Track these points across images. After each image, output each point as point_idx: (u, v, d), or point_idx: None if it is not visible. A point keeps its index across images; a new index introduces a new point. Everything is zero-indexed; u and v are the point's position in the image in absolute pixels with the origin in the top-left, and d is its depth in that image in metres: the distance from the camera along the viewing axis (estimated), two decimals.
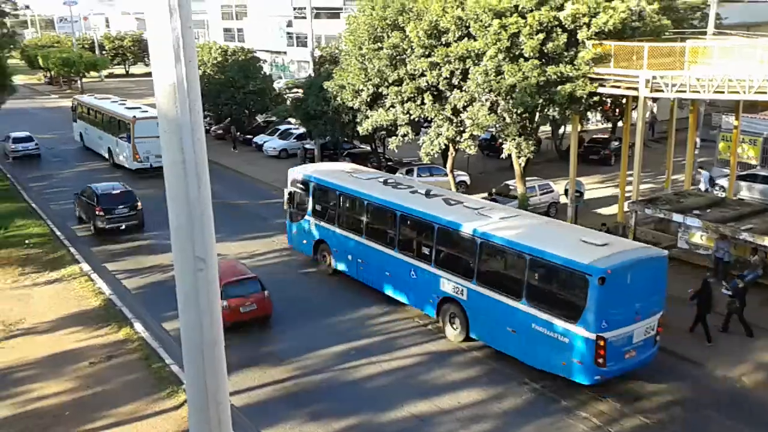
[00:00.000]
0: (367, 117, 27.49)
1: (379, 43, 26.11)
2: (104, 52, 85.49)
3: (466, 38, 23.71)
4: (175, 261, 3.41)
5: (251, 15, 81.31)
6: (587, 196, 28.11)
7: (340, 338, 17.68)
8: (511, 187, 27.96)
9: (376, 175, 22.78)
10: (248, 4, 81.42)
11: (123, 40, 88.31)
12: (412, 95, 25.61)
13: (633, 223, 22.89)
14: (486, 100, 23.83)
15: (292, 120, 39.80)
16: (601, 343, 14.17)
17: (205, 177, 3.35)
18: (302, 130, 37.87)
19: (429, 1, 24.43)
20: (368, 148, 35.16)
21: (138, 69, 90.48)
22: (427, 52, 24.55)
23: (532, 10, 22.46)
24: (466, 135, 24.72)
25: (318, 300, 20.34)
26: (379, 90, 26.81)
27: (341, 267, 21.18)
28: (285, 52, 74.64)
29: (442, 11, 23.78)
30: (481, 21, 22.75)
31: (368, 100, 27.43)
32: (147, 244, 24.70)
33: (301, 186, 22.42)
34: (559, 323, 14.76)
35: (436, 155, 27.25)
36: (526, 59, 22.44)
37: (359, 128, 28.18)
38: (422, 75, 24.94)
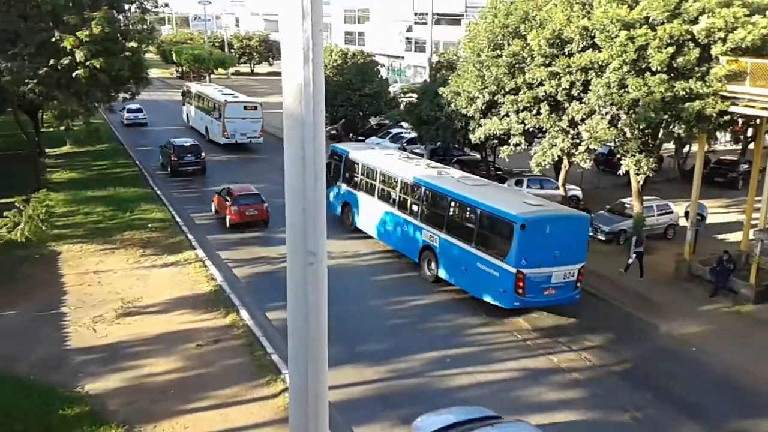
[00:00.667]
0: (480, 125, 27.24)
1: (498, 51, 25.81)
2: (232, 50, 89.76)
3: (590, 49, 23.00)
4: (288, 253, 3.48)
5: (372, 19, 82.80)
6: (709, 220, 26.50)
7: (436, 344, 17.62)
8: (626, 206, 26.87)
9: (396, 153, 27.82)
10: (371, 8, 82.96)
11: (251, 40, 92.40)
12: (528, 104, 25.13)
13: (758, 253, 21.35)
14: (606, 113, 23.00)
15: (405, 124, 40.13)
16: (520, 276, 18.26)
17: (321, 174, 3.40)
18: (413, 134, 38.12)
19: (553, 10, 23.86)
20: (478, 155, 34.87)
21: (262, 68, 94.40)
22: (547, 62, 24.01)
23: (663, 23, 21.46)
24: (582, 148, 23.97)
25: (416, 304, 20.38)
26: (495, 98, 26.50)
27: (359, 225, 25.93)
28: (402, 57, 75.46)
29: (567, 20, 23.17)
30: (608, 32, 21.98)
31: (483, 107, 27.18)
32: (258, 237, 25.65)
33: (337, 159, 27.17)
34: (494, 261, 18.88)
35: (547, 166, 26.62)
36: (653, 73, 21.46)
37: (471, 136, 27.98)
38: (540, 84, 24.42)
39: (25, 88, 24.80)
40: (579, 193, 30.81)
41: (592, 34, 22.79)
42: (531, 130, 26.08)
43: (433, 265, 21.52)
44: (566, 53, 23.67)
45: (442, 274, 21.10)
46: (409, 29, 73.99)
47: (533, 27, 24.56)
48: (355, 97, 42.04)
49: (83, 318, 18.36)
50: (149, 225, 26.35)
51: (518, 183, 29.93)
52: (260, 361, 16.30)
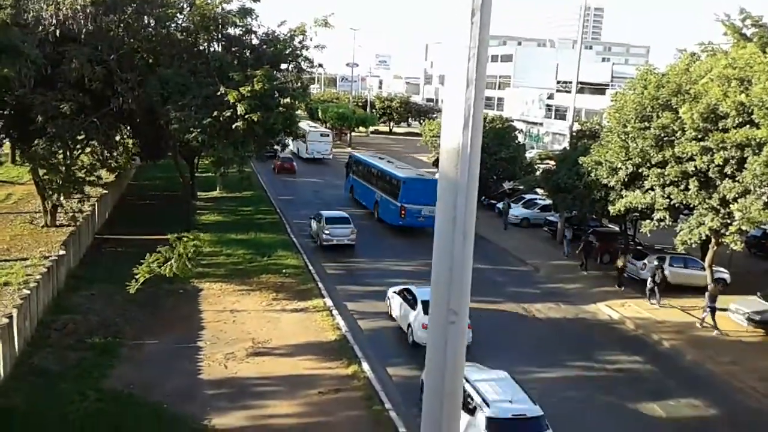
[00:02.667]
0: (622, 196, 26.29)
1: (646, 123, 25.03)
2: (374, 110, 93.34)
3: (747, 125, 21.76)
4: (431, 310, 3.54)
5: (513, 86, 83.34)
6: None
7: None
8: None
9: (381, 156, 45.42)
10: (513, 74, 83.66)
11: (392, 101, 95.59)
12: (675, 179, 24.02)
13: None
14: (762, 193, 21.49)
15: (539, 190, 39.57)
16: (402, 207, 34.00)
17: (470, 236, 3.45)
18: (548, 201, 37.46)
19: (709, 84, 22.90)
20: (616, 228, 33.55)
21: (400, 128, 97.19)
22: (699, 136, 22.96)
23: None
24: (732, 228, 22.45)
25: (540, 377, 19.67)
26: (639, 170, 25.57)
27: (356, 196, 42.28)
28: (541, 123, 75.05)
29: (723, 95, 22.12)
30: (767, 108, 20.74)
31: (625, 179, 26.29)
32: (383, 291, 25.93)
33: (349, 159, 45.52)
34: (395, 202, 34.75)
35: (693, 245, 25.10)
36: None
37: (611, 207, 27.02)
38: (690, 159, 23.32)
39: (189, 135, 27.10)
40: (727, 276, 28.67)
41: (750, 110, 21.59)
42: (677, 205, 24.81)
43: (377, 212, 37.57)
44: (720, 128, 22.55)
45: (378, 216, 37.32)
46: (551, 96, 73.67)
47: (686, 100, 23.65)
48: (491, 160, 42.07)
49: (217, 354, 19.32)
50: (284, 270, 27.48)
51: (660, 260, 28.36)
52: (378, 417, 16.29)
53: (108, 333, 20.16)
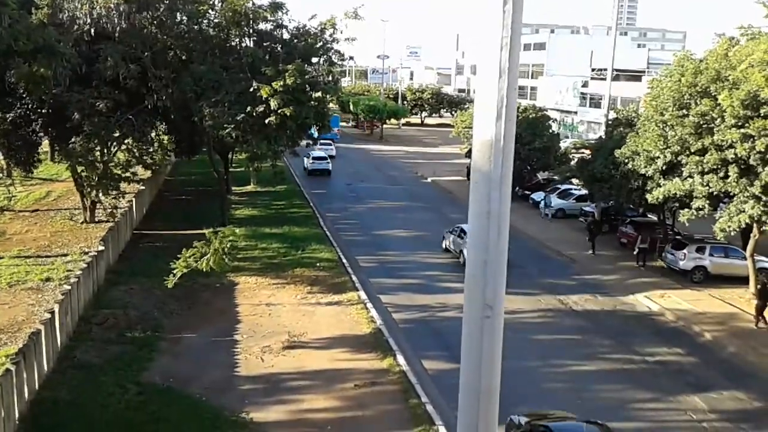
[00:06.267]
0: (660, 185, 25.76)
1: (684, 110, 24.46)
2: (405, 102, 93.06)
3: None
4: (465, 305, 3.49)
5: (547, 74, 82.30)
6: None
7: (598, 416, 16.51)
8: None
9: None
10: (546, 63, 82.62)
11: (423, 93, 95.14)
12: (715, 166, 23.45)
13: None
14: None
15: (575, 180, 39.03)
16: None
17: (505, 230, 3.39)
18: (584, 191, 36.92)
19: (750, 71, 22.24)
20: (655, 217, 32.93)
21: (432, 120, 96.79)
22: (740, 123, 22.35)
23: None
24: None
25: (579, 369, 19.40)
26: (678, 158, 25.02)
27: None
28: (576, 112, 74.00)
29: (766, 81, 21.47)
30: None
31: (663, 168, 25.75)
32: (417, 284, 25.98)
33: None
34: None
35: (732, 233, 24.48)
36: None
37: (648, 196, 26.50)
38: (731, 146, 22.73)
39: (223, 132, 27.37)
40: None
41: None
42: (716, 194, 24.22)
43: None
44: (762, 115, 21.91)
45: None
46: (585, 84, 72.57)
47: (725, 87, 23.03)
48: (524, 151, 41.55)
49: (253, 347, 19.51)
50: (318, 264, 27.59)
51: (699, 250, 27.74)
52: (415, 410, 16.24)
53: (147, 327, 20.51)
